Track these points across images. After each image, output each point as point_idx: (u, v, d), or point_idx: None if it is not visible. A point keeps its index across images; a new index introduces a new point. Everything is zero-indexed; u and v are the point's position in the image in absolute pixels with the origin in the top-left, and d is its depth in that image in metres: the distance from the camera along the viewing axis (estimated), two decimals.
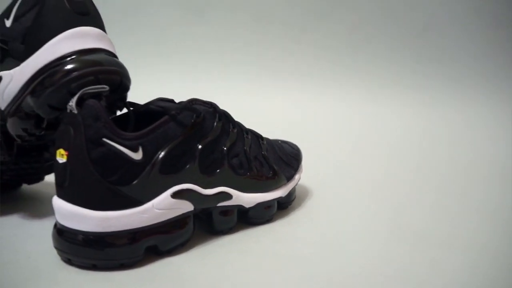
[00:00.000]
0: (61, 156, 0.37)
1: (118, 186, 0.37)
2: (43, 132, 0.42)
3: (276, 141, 0.54)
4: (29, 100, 0.39)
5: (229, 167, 0.44)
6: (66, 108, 0.38)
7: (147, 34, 1.10)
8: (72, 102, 0.37)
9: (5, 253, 0.41)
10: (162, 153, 0.39)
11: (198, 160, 0.41)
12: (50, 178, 0.52)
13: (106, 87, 0.38)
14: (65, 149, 0.37)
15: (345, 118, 0.95)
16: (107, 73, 0.39)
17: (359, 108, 0.98)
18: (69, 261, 0.38)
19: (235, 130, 0.45)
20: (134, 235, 0.38)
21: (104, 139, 0.37)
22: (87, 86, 0.38)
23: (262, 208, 0.46)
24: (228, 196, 0.44)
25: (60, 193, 0.38)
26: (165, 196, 0.39)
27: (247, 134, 0.47)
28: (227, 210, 0.44)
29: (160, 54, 1.09)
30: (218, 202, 0.43)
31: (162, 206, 0.39)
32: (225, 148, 0.44)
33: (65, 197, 0.37)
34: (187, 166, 0.41)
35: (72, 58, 0.39)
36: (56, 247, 0.39)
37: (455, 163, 0.72)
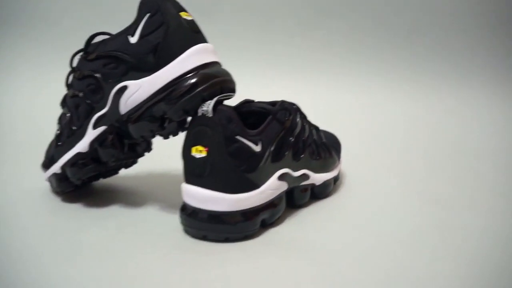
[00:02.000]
0: (199, 152, 0.44)
1: (246, 173, 0.45)
2: (163, 131, 0.47)
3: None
4: (162, 106, 0.45)
5: (308, 154, 0.53)
6: (194, 112, 0.45)
7: None
8: (207, 107, 0.44)
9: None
10: (273, 146, 0.47)
11: (291, 150, 0.50)
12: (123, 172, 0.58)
13: (233, 94, 0.45)
14: (203, 146, 0.44)
15: (360, 107, 0.95)
16: (227, 83, 0.47)
17: (370, 96, 0.98)
18: (204, 238, 0.45)
19: (307, 124, 0.54)
20: (255, 212, 0.46)
21: (237, 137, 0.44)
22: (215, 94, 0.45)
23: (326, 185, 0.56)
24: (307, 177, 0.53)
25: (197, 182, 0.45)
26: (274, 179, 0.48)
27: (310, 126, 0.56)
28: (305, 188, 0.53)
29: None
30: (301, 182, 0.52)
31: (272, 187, 0.47)
32: (303, 139, 0.52)
33: (204, 184, 0.44)
34: (285, 155, 0.49)
35: (199, 71, 0.45)
36: (189, 227, 0.46)
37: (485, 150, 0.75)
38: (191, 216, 0.45)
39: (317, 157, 0.54)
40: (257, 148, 0.46)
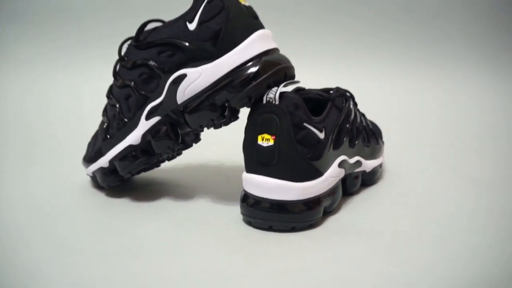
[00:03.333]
0: (266, 140, 0.42)
1: (312, 161, 0.43)
2: (224, 120, 0.45)
3: None
4: (225, 94, 0.43)
5: (360, 140, 0.51)
6: (257, 100, 0.43)
7: None
8: (274, 94, 0.42)
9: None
10: (335, 133, 0.45)
11: (348, 136, 0.48)
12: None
13: (298, 81, 0.43)
14: (271, 134, 0.42)
15: (389, 93, 0.92)
16: (289, 69, 0.44)
17: (399, 82, 0.94)
18: (270, 228, 0.43)
19: (358, 111, 0.53)
20: (319, 200, 0.44)
21: (305, 124, 0.42)
22: (280, 81, 0.43)
23: (374, 171, 0.55)
24: (360, 164, 0.51)
25: (263, 171, 0.42)
26: (335, 166, 0.46)
27: (359, 113, 0.55)
28: (357, 175, 0.52)
29: None
30: (355, 169, 0.51)
31: (333, 175, 0.46)
32: (357, 126, 0.51)
33: (270, 174, 0.42)
34: (344, 141, 0.47)
35: (262, 58, 0.43)
36: (252, 218, 0.43)
37: None
38: (254, 206, 0.43)
39: (367, 144, 0.53)
40: (321, 135, 0.44)
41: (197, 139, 0.51)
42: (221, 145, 0.66)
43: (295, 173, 0.42)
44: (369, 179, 0.54)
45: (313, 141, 0.43)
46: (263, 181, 0.42)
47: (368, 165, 0.53)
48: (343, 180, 0.50)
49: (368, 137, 0.53)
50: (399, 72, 0.97)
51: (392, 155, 0.63)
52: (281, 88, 0.42)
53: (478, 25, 0.98)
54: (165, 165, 0.56)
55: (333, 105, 0.46)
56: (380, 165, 0.57)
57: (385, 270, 0.38)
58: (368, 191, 0.54)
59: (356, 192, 0.52)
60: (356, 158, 0.50)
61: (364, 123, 0.53)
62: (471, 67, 0.96)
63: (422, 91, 0.94)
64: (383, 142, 0.58)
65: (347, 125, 0.47)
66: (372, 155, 0.54)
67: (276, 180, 0.42)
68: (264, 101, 0.42)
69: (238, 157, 0.59)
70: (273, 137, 0.42)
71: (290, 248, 0.41)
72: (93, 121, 0.58)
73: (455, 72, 0.97)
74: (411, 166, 0.62)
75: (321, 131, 0.43)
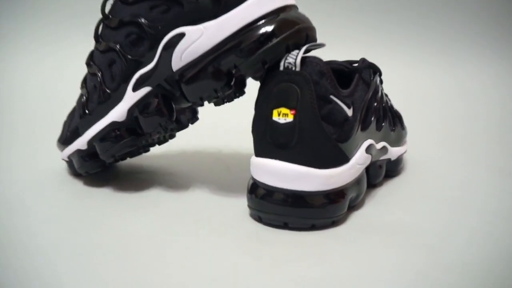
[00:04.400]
0: (283, 116, 0.33)
1: (339, 143, 0.34)
2: (229, 92, 0.36)
3: None
4: (232, 58, 0.33)
5: (387, 123, 0.43)
6: (273, 66, 0.34)
7: None
8: (294, 59, 0.33)
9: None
10: (363, 111, 0.36)
11: (376, 117, 0.39)
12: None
13: (323, 44, 0.34)
14: (290, 108, 0.32)
15: (410, 78, 0.84)
16: (312, 30, 0.35)
17: (420, 68, 0.86)
18: (285, 225, 0.34)
19: (383, 89, 0.44)
20: (344, 191, 0.35)
21: (332, 96, 0.33)
22: (301, 44, 0.33)
23: (399, 160, 0.46)
24: (385, 151, 0.42)
25: (279, 154, 0.33)
26: (362, 152, 0.37)
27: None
28: (381, 164, 0.43)
29: None
30: (381, 156, 0.42)
31: (360, 161, 0.37)
32: (383, 105, 0.42)
33: (288, 158, 0.33)
34: (371, 123, 0.39)
35: (279, 15, 0.34)
36: (262, 212, 0.34)
37: None
38: (266, 198, 0.34)
39: (393, 128, 0.44)
40: (349, 112, 0.35)
41: (194, 118, 0.42)
42: (219, 129, 0.58)
43: (319, 158, 0.33)
44: (393, 169, 0.45)
45: (340, 119, 0.34)
46: (279, 166, 0.33)
47: (394, 152, 0.44)
48: (366, 170, 0.41)
49: (393, 120, 0.44)
50: (418, 59, 0.88)
51: (411, 145, 0.54)
52: (303, 52, 0.33)
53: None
54: (155, 150, 0.47)
55: (360, 77, 0.37)
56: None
57: (430, 277, 0.29)
58: (393, 183, 0.45)
59: (380, 184, 0.44)
60: (382, 143, 0.41)
61: (389, 104, 0.45)
62: (492, 54, 0.88)
63: (436, 78, 0.85)
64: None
65: (375, 104, 0.39)
66: (398, 141, 0.45)
67: (295, 166, 0.33)
68: (282, 68, 0.33)
69: (239, 143, 0.50)
70: (293, 112, 0.32)
71: (311, 251, 0.32)
72: (70, 100, 0.47)
73: (475, 58, 0.88)
74: (433, 157, 0.53)
75: (349, 107, 0.35)
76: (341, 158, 0.34)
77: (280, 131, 0.33)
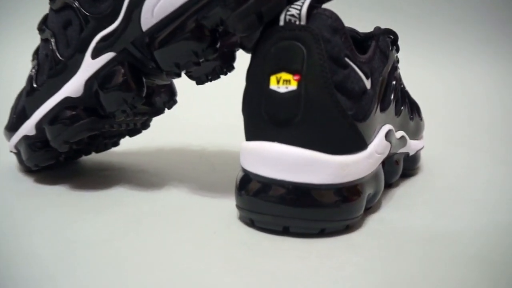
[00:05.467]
0: (285, 83, 0.24)
1: (356, 121, 0.25)
2: (214, 56, 0.27)
3: None
4: (217, 11, 0.25)
5: (407, 108, 0.35)
6: (271, 21, 0.26)
7: None
8: (298, 10, 0.24)
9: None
10: (383, 87, 0.28)
11: (394, 97, 0.31)
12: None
13: None
14: (293, 72, 0.24)
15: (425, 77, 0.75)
16: None
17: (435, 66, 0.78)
18: (285, 231, 0.25)
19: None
20: (361, 186, 0.26)
21: (347, 59, 0.25)
22: None
23: (417, 156, 0.37)
24: (404, 142, 0.34)
25: (278, 135, 0.24)
26: (381, 138, 0.28)
27: None
28: (398, 160, 0.34)
29: None
30: (399, 148, 0.33)
31: (380, 150, 0.28)
32: (402, 86, 0.35)
33: (291, 139, 0.24)
34: (391, 103, 0.31)
35: None
36: (255, 213, 0.25)
37: None
38: (260, 194, 0.25)
39: (411, 116, 0.36)
40: (368, 84, 0.26)
41: (171, 100, 0.33)
42: (202, 124, 0.50)
43: (331, 139, 0.24)
44: (411, 166, 0.37)
45: (357, 90, 0.25)
46: (278, 151, 0.24)
47: (412, 146, 0.36)
48: (382, 165, 0.33)
49: (412, 107, 0.37)
50: (426, 57, 0.79)
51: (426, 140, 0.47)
52: (309, 1, 0.25)
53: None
54: (128, 145, 0.39)
55: (377, 46, 0.29)
56: None
57: None
58: (411, 183, 0.36)
59: (395, 183, 0.36)
60: (401, 132, 0.33)
61: (405, 88, 0.38)
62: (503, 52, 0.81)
63: (448, 74, 0.77)
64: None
65: (393, 82, 0.31)
66: (416, 133, 0.37)
67: (299, 150, 0.24)
68: (282, 22, 0.25)
69: (225, 140, 0.43)
70: (297, 77, 0.24)
71: (319, 265, 0.23)
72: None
73: (488, 56, 0.81)
74: (448, 156, 0.45)
75: (367, 77, 0.26)
76: (358, 143, 0.26)
77: (280, 103, 0.24)
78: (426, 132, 0.44)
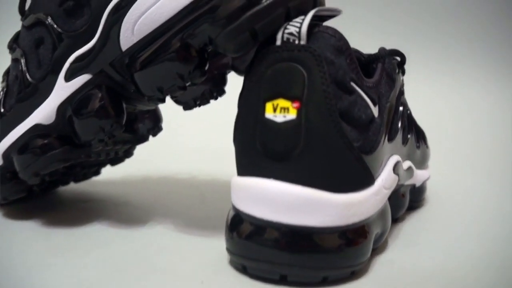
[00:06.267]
0: (282, 111, 0.21)
1: (363, 154, 0.22)
2: (201, 80, 0.23)
3: None
4: (205, 28, 0.22)
5: (414, 136, 0.31)
6: (267, 39, 0.23)
7: None
8: (297, 28, 0.21)
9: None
10: (391, 114, 0.25)
11: (402, 125, 0.28)
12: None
13: (338, 11, 0.24)
14: (292, 99, 0.20)
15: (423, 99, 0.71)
16: None
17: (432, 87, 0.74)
18: (282, 280, 0.21)
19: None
20: (368, 227, 0.23)
21: (353, 84, 0.21)
22: (306, 9, 0.22)
23: (423, 188, 0.34)
24: (411, 173, 0.30)
25: (274, 171, 0.21)
26: (389, 171, 0.25)
27: None
28: (404, 192, 0.30)
29: None
30: (406, 180, 0.30)
31: (387, 185, 0.25)
32: (408, 112, 0.32)
33: (289, 176, 0.21)
34: (398, 132, 0.27)
35: None
36: (248, 259, 0.22)
37: None
38: (254, 237, 0.21)
39: (418, 144, 0.33)
40: (375, 111, 0.23)
41: (155, 127, 0.30)
42: (192, 149, 0.46)
43: (335, 175, 0.21)
44: (417, 199, 0.33)
45: (364, 118, 0.22)
46: (274, 189, 0.21)
47: (419, 176, 0.32)
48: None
49: (418, 134, 0.33)
50: (428, 77, 0.76)
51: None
52: (310, 18, 0.22)
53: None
54: (111, 175, 0.35)
55: (384, 69, 0.26)
56: None
57: None
58: (417, 216, 0.33)
59: (401, 218, 0.34)
60: (408, 163, 0.30)
61: (411, 113, 0.35)
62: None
63: (458, 99, 0.73)
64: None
65: (401, 107, 0.28)
66: (422, 162, 0.34)
67: (298, 188, 0.21)
68: (279, 41, 0.21)
69: (217, 168, 0.40)
70: (296, 105, 0.20)
71: None
72: None
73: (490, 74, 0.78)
74: (454, 183, 0.42)
75: (374, 104, 0.23)
76: (365, 178, 0.22)
77: (277, 134, 0.21)
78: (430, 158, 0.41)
